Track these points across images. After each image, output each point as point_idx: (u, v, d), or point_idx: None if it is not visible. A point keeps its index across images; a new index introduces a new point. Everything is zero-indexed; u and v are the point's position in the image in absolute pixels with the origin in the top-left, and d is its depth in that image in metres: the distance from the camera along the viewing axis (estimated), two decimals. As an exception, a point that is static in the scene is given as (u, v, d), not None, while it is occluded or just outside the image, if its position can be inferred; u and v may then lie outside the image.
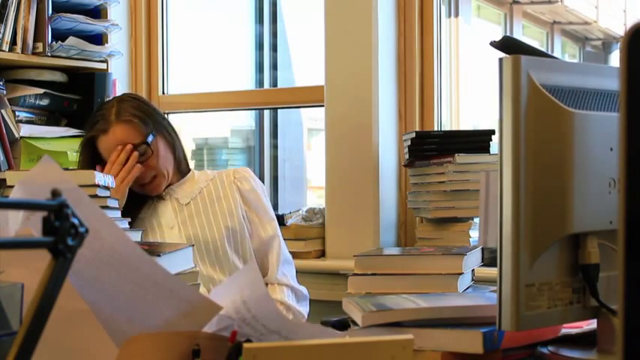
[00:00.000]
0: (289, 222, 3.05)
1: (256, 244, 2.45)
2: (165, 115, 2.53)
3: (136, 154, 2.34)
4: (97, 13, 3.23)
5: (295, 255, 2.94)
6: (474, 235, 2.65)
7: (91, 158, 2.41)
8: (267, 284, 2.44)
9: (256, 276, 1.11)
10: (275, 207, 2.55)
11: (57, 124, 3.12)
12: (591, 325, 1.45)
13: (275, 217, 2.52)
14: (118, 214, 1.85)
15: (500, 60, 1.26)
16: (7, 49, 2.87)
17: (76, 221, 0.85)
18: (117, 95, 2.57)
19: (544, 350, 1.39)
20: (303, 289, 2.48)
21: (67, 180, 1.12)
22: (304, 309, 2.45)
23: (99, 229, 1.06)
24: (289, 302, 2.40)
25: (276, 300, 2.38)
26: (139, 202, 2.44)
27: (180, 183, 2.48)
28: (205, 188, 2.47)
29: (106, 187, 1.81)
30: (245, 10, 4.15)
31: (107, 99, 3.14)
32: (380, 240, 2.95)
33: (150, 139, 2.37)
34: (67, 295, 0.92)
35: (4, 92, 2.89)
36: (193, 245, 1.78)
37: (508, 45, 1.66)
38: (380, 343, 1.04)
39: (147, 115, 2.40)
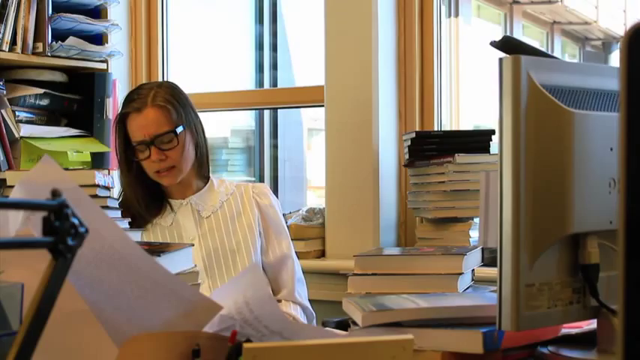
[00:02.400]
0: (289, 222, 3.05)
1: (270, 261, 2.43)
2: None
3: None
4: (97, 13, 3.23)
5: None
6: (474, 235, 2.65)
7: (125, 136, 2.39)
8: (279, 301, 2.43)
9: (259, 277, 1.11)
10: (275, 207, 2.55)
11: (57, 124, 3.12)
12: (591, 325, 1.45)
13: (289, 235, 2.51)
14: (119, 214, 1.85)
15: (500, 60, 1.26)
16: (7, 49, 2.87)
17: (76, 221, 0.85)
18: (157, 80, 2.52)
19: (544, 350, 1.39)
20: (312, 311, 2.48)
21: (67, 180, 1.12)
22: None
23: (99, 229, 1.06)
24: (301, 319, 2.39)
25: (288, 314, 2.37)
26: (157, 206, 2.42)
27: (201, 193, 2.45)
28: (226, 202, 2.45)
29: (106, 187, 1.81)
30: (245, 10, 4.15)
31: (107, 99, 3.15)
32: (380, 240, 2.95)
33: (179, 129, 2.35)
34: (67, 295, 0.92)
35: (4, 92, 2.89)
36: (193, 245, 1.77)
37: (508, 45, 1.66)
38: (380, 343, 1.04)
39: (181, 106, 2.39)
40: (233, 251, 2.39)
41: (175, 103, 2.38)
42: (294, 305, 2.42)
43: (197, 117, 2.46)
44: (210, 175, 2.51)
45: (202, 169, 2.47)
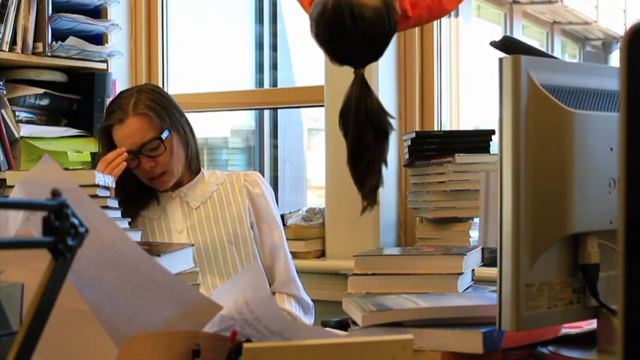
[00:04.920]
0: (289, 222, 3.05)
1: (263, 252, 2.42)
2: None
3: (124, 155, 2.29)
4: (97, 13, 3.23)
5: (295, 255, 2.93)
6: (474, 235, 2.65)
7: (109, 146, 2.36)
8: (273, 293, 2.42)
9: (259, 277, 1.11)
10: (275, 207, 2.54)
11: (57, 124, 3.12)
12: (591, 325, 1.45)
13: (281, 224, 2.48)
14: (118, 214, 1.85)
15: (500, 60, 1.26)
16: (7, 49, 2.87)
17: (76, 221, 0.85)
18: (137, 85, 2.47)
19: (544, 350, 1.40)
20: (309, 301, 2.47)
21: (67, 180, 1.12)
22: (310, 320, 2.43)
23: (99, 229, 1.06)
24: (296, 313, 2.38)
25: (284, 310, 2.36)
26: (143, 199, 2.41)
27: (191, 185, 2.43)
28: (216, 192, 2.43)
29: (106, 187, 1.81)
30: (245, 10, 4.16)
31: (107, 99, 3.15)
32: (380, 240, 2.95)
33: (164, 134, 2.32)
34: (67, 295, 0.92)
35: (4, 92, 2.89)
36: (193, 245, 1.78)
37: (508, 45, 1.67)
38: (380, 343, 1.04)
39: (164, 110, 2.35)
40: (223, 244, 2.36)
41: (157, 107, 2.34)
42: (288, 298, 2.40)
43: (182, 116, 2.42)
44: (202, 168, 2.49)
45: (192, 165, 2.44)
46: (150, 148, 2.31)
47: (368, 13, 1.94)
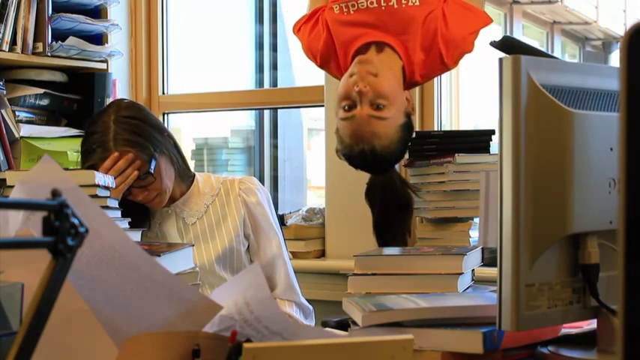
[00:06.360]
0: (289, 222, 3.05)
1: (262, 261, 2.38)
2: (162, 119, 2.42)
3: (137, 163, 2.22)
4: (97, 13, 3.23)
5: (295, 255, 2.94)
6: (474, 235, 2.65)
7: None
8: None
9: (259, 277, 1.11)
10: (275, 207, 2.52)
11: (57, 124, 3.12)
12: (591, 325, 1.45)
13: (279, 229, 2.45)
14: (118, 214, 1.85)
15: (500, 60, 1.26)
16: (7, 49, 2.87)
17: (76, 221, 0.85)
18: (110, 108, 2.33)
19: (544, 350, 1.40)
20: (308, 305, 2.45)
21: (67, 180, 1.12)
22: (310, 324, 2.43)
23: (99, 229, 1.06)
24: (297, 317, 2.37)
25: (285, 313, 2.35)
26: (140, 221, 2.32)
27: (185, 198, 2.39)
28: (211, 205, 2.39)
29: (106, 187, 1.81)
30: (245, 10, 4.16)
31: (107, 99, 3.14)
32: (380, 240, 2.95)
33: (152, 165, 2.24)
34: (67, 295, 0.92)
35: (4, 92, 2.89)
36: (193, 245, 1.78)
37: (508, 45, 1.67)
38: (380, 343, 1.04)
39: (146, 139, 2.25)
40: (219, 260, 2.35)
41: (139, 139, 2.24)
42: (289, 303, 2.40)
43: (161, 133, 2.33)
44: (195, 172, 2.46)
45: (183, 174, 2.39)
46: (140, 180, 2.24)
47: (390, 153, 2.16)
